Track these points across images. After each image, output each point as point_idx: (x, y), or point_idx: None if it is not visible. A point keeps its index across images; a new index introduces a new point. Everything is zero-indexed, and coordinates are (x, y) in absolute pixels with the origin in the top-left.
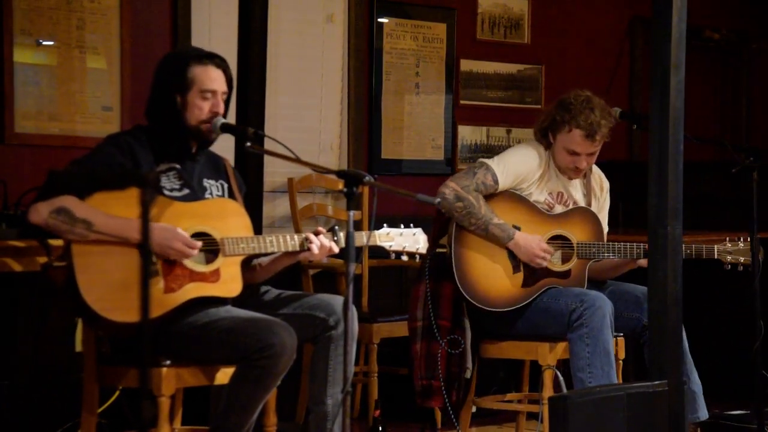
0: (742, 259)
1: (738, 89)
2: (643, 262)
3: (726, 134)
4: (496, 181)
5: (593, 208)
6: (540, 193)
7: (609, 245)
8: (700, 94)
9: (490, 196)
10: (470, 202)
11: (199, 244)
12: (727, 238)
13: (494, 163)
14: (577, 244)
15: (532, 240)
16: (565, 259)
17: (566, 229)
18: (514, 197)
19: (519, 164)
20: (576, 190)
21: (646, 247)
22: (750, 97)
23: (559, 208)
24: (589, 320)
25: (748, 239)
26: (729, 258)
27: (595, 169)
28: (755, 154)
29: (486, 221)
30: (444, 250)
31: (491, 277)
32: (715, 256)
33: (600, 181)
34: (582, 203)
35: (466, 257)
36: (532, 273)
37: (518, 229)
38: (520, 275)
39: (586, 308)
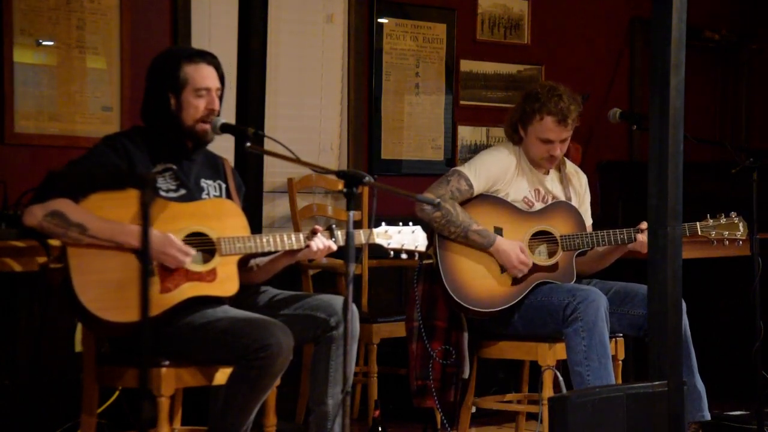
0: (726, 233)
1: (738, 89)
2: (634, 245)
3: (726, 134)
4: (470, 185)
5: (574, 202)
6: (517, 192)
7: (592, 234)
8: (700, 94)
9: (469, 202)
10: (447, 211)
11: (193, 252)
12: (708, 215)
13: (465, 168)
14: (561, 236)
15: (511, 249)
16: (551, 254)
17: (548, 224)
18: (492, 200)
19: (490, 166)
20: (553, 184)
21: (630, 233)
22: (750, 97)
23: (538, 205)
24: (583, 313)
25: (731, 214)
26: (713, 234)
27: (570, 163)
28: (755, 155)
29: (465, 228)
30: (430, 261)
31: (480, 279)
32: (699, 233)
33: (577, 174)
34: (562, 197)
35: (452, 264)
36: None
37: (500, 231)
38: (508, 274)
39: (579, 302)
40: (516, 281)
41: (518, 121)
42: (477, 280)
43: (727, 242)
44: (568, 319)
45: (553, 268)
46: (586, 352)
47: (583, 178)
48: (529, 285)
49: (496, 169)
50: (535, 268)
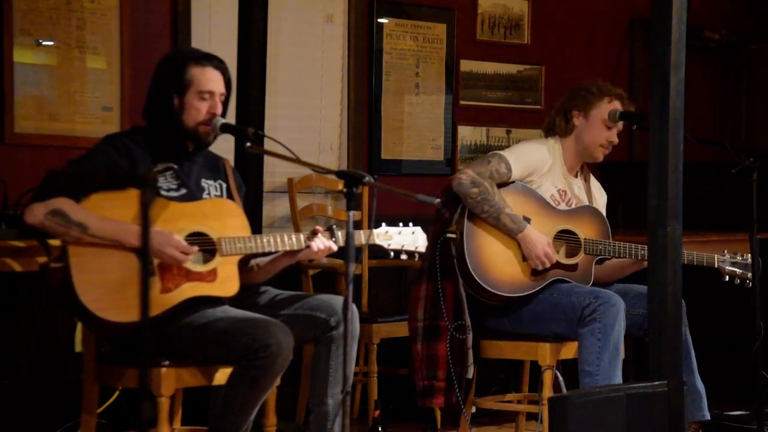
0: (738, 272)
1: (738, 89)
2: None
3: (726, 134)
4: (509, 169)
5: None
6: (548, 188)
7: (615, 244)
8: (700, 94)
9: (503, 188)
10: (485, 188)
11: (195, 249)
12: (726, 251)
13: (507, 153)
14: (585, 240)
15: (538, 240)
16: (573, 254)
17: (574, 225)
18: (526, 189)
19: (531, 155)
20: (580, 191)
21: None
22: (750, 97)
23: (562, 206)
24: (602, 315)
25: (746, 256)
26: (728, 269)
27: (595, 180)
28: (755, 155)
29: (498, 209)
30: (453, 235)
31: (502, 262)
32: (715, 266)
33: (600, 192)
34: (585, 204)
35: (477, 242)
36: None
37: (528, 221)
38: (529, 263)
39: (600, 304)
40: (535, 272)
41: (575, 108)
42: (498, 263)
43: (738, 281)
44: (585, 319)
45: (573, 268)
46: (599, 354)
47: (604, 198)
48: (547, 279)
49: (535, 159)
50: (556, 264)
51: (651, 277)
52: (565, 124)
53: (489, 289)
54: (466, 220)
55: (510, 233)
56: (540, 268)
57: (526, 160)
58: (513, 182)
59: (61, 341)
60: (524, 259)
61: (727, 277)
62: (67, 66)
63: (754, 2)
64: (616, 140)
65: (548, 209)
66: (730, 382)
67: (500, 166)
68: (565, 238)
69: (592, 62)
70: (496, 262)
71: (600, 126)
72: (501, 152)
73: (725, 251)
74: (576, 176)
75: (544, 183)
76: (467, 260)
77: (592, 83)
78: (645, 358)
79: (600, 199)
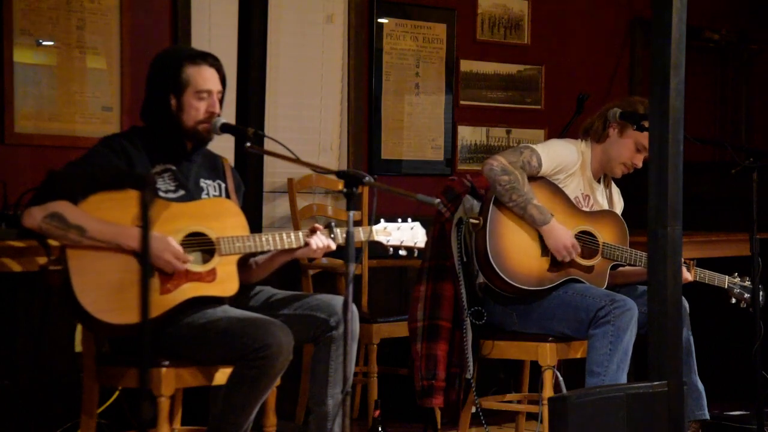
0: (746, 296)
1: (738, 89)
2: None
3: (726, 134)
4: (540, 164)
5: None
6: (573, 189)
7: (632, 252)
8: (700, 94)
9: (531, 181)
10: (516, 177)
11: (191, 258)
12: (736, 273)
13: (539, 147)
14: (603, 243)
15: (565, 232)
16: (590, 256)
17: (595, 227)
18: (551, 186)
19: (562, 153)
20: (602, 197)
21: None
22: (750, 97)
23: (585, 209)
24: (616, 319)
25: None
26: (736, 291)
27: (616, 188)
28: (755, 155)
29: (527, 200)
30: (476, 221)
31: (522, 253)
32: (725, 287)
33: (619, 199)
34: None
35: (501, 230)
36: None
37: (551, 216)
38: (548, 259)
39: (616, 307)
40: (552, 269)
41: (621, 116)
42: (518, 255)
43: (744, 304)
44: (599, 321)
45: (589, 269)
46: (609, 356)
47: (621, 205)
48: (562, 277)
49: (566, 158)
50: (573, 264)
51: (651, 277)
52: (601, 131)
53: (504, 278)
54: (492, 206)
55: (535, 224)
56: (566, 259)
57: (557, 156)
58: (540, 177)
59: (61, 341)
60: (544, 254)
61: (733, 300)
62: (67, 66)
63: (755, 2)
64: (639, 165)
65: (572, 208)
66: (730, 382)
67: (532, 159)
68: (584, 239)
69: (592, 62)
70: (516, 252)
71: (630, 145)
72: (533, 145)
73: (735, 274)
74: (599, 182)
75: (570, 184)
76: (488, 246)
77: (641, 102)
78: (645, 358)
79: (619, 206)
